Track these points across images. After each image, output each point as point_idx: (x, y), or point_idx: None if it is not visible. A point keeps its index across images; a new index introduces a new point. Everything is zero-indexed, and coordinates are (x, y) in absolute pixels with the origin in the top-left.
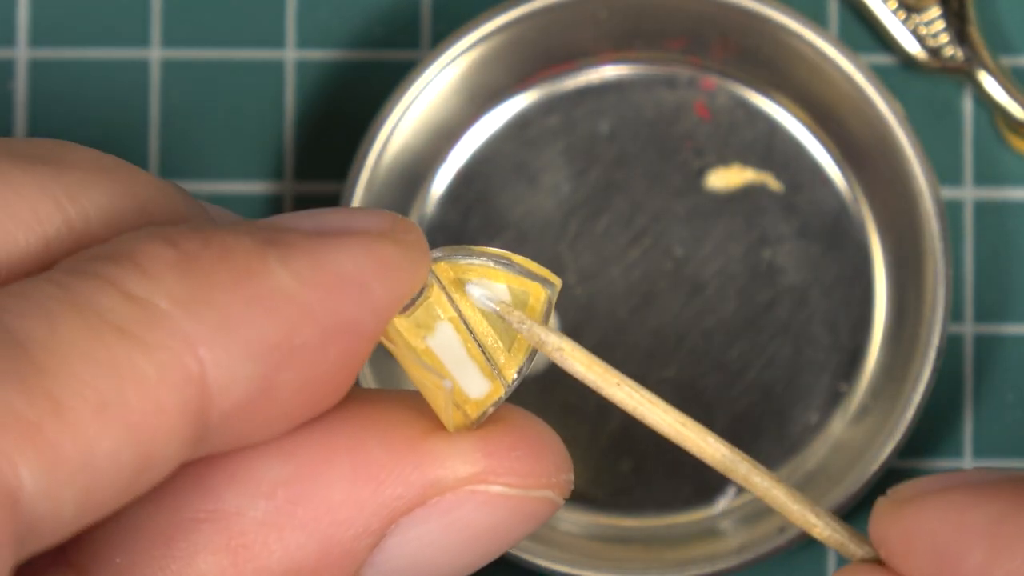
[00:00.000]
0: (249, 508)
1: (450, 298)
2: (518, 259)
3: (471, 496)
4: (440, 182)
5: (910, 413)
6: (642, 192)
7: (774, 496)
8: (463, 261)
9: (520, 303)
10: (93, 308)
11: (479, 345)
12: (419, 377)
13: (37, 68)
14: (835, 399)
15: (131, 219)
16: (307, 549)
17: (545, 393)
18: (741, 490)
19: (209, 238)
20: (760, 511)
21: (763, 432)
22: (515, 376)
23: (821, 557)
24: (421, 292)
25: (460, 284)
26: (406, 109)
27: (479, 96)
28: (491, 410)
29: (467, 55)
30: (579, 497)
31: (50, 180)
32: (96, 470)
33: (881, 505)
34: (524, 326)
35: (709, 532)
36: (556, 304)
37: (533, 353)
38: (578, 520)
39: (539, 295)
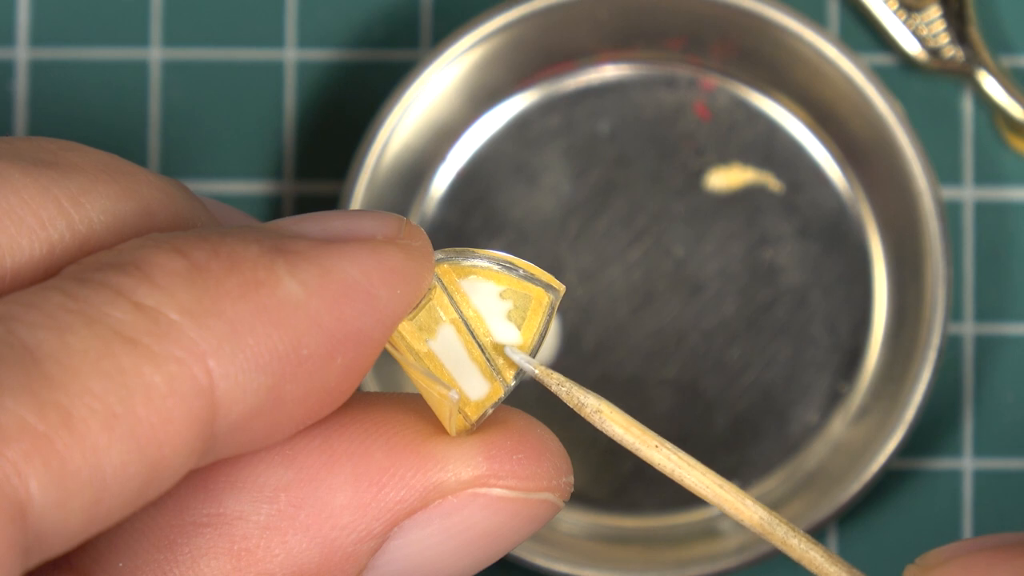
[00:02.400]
0: (252, 512)
1: (452, 300)
2: (521, 263)
3: (473, 499)
4: (440, 182)
5: (910, 413)
6: (642, 192)
7: (811, 558)
8: (466, 263)
9: (522, 307)
10: (103, 319)
11: (479, 346)
12: (423, 385)
13: (37, 68)
14: (835, 399)
15: (135, 222)
16: (309, 553)
17: (545, 393)
18: None
19: (217, 247)
20: None
21: (763, 432)
22: (515, 377)
23: None
24: (424, 295)
25: (461, 286)
26: (406, 109)
27: (479, 96)
28: (490, 411)
29: (467, 55)
30: (579, 497)
31: (53, 183)
32: (104, 481)
33: (910, 573)
34: (563, 388)
35: (709, 532)
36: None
37: (532, 354)
38: (578, 520)
39: (542, 299)
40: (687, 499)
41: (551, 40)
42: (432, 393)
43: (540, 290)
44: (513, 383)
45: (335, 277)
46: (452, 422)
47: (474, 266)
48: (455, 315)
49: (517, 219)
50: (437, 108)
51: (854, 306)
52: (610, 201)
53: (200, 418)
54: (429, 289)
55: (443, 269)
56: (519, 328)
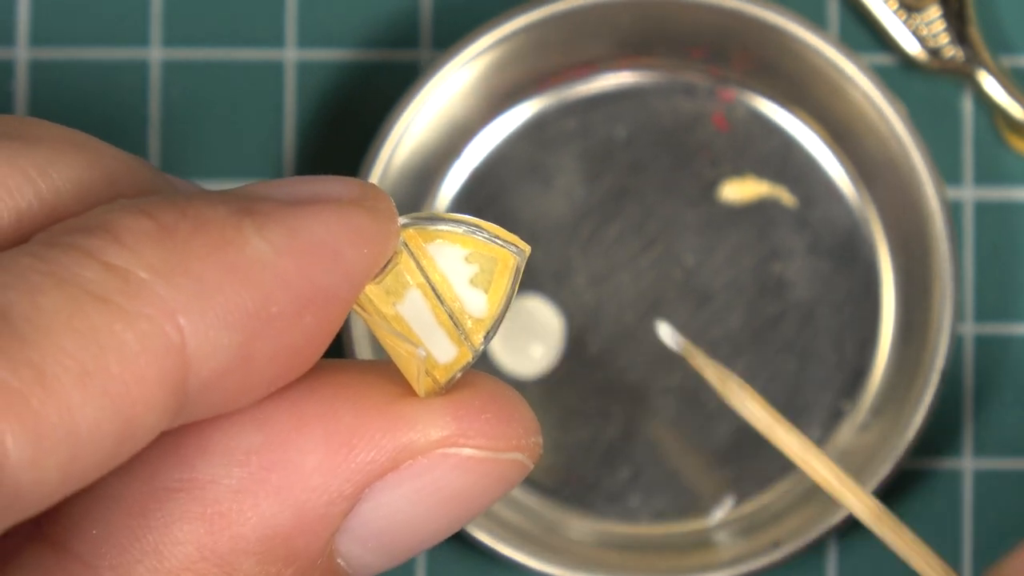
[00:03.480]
0: (223, 476)
1: (418, 264)
2: (487, 225)
3: (443, 459)
4: (453, 180)
5: (911, 432)
6: (655, 200)
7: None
8: (431, 227)
9: (488, 271)
10: (73, 279)
11: (447, 311)
12: (391, 345)
13: (37, 68)
14: (837, 416)
15: (101, 191)
16: (281, 516)
17: (546, 397)
18: (737, 503)
19: (184, 208)
20: (755, 524)
21: (764, 444)
22: (482, 341)
23: (818, 571)
24: (391, 259)
25: (427, 250)
26: (421, 106)
27: (496, 97)
28: (459, 375)
29: (486, 55)
30: (576, 503)
31: (19, 155)
32: (79, 439)
33: None
34: (707, 365)
35: (704, 543)
36: (563, 306)
37: (499, 319)
38: (575, 526)
39: (508, 261)
40: (683, 509)
41: (571, 43)
42: (400, 352)
43: (505, 252)
44: (481, 347)
45: (302, 236)
46: (420, 382)
47: (439, 230)
48: (422, 279)
49: (529, 220)
50: (453, 106)
51: (861, 325)
52: (623, 207)
53: (172, 375)
54: (395, 253)
55: (409, 234)
56: (485, 292)
